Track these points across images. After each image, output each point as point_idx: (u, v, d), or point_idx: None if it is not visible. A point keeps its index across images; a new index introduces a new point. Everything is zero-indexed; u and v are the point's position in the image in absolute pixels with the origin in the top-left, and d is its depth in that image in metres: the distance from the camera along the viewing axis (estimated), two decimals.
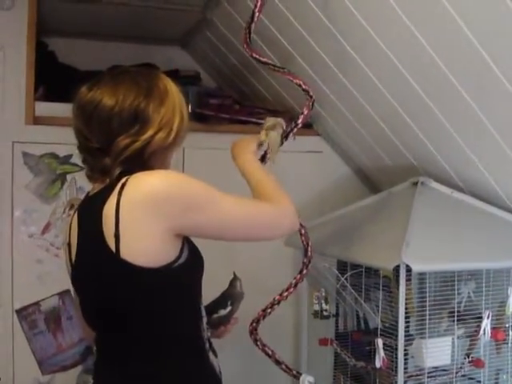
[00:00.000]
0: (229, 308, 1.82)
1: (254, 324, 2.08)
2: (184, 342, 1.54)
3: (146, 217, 1.40)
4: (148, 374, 1.49)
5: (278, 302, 2.05)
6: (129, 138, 1.48)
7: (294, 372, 2.19)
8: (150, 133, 1.50)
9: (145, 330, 1.49)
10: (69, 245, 1.59)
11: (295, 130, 2.03)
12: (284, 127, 2.00)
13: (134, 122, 1.49)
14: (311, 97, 2.04)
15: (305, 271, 2.13)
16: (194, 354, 1.55)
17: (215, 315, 1.78)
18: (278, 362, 2.15)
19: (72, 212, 1.62)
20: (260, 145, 1.95)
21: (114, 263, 1.42)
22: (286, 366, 2.17)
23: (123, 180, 1.44)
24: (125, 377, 1.50)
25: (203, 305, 1.62)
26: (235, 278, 1.89)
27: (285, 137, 2.02)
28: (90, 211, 1.51)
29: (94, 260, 1.48)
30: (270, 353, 2.13)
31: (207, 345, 1.59)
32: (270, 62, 2.12)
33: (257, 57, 2.08)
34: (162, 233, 1.42)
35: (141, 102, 1.50)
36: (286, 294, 2.08)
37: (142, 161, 1.51)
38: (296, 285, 2.10)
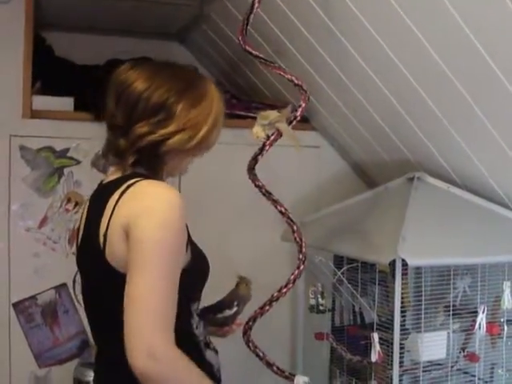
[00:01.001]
0: (234, 309, 1.80)
1: (250, 323, 2.02)
2: (176, 339, 1.43)
3: (123, 224, 1.38)
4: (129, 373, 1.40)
5: (277, 299, 2.01)
6: (147, 127, 1.46)
7: (287, 373, 2.11)
8: (170, 129, 1.47)
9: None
10: (78, 229, 1.61)
11: (294, 122, 2.03)
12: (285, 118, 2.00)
13: (158, 112, 1.46)
14: (305, 91, 2.03)
15: (301, 267, 2.11)
16: (187, 351, 1.44)
17: (220, 315, 1.77)
18: (269, 364, 2.09)
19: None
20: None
21: (100, 260, 1.42)
22: (278, 367, 2.10)
23: (131, 181, 1.44)
24: (119, 372, 1.44)
25: (210, 304, 1.60)
26: (244, 279, 1.86)
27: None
28: (98, 201, 1.51)
29: (87, 250, 1.50)
30: (261, 355, 2.07)
31: (202, 342, 1.57)
32: (261, 55, 2.10)
33: (249, 50, 2.07)
34: (124, 240, 1.39)
35: (171, 97, 1.47)
36: (284, 290, 2.04)
37: (156, 155, 1.49)
38: (294, 281, 2.07)
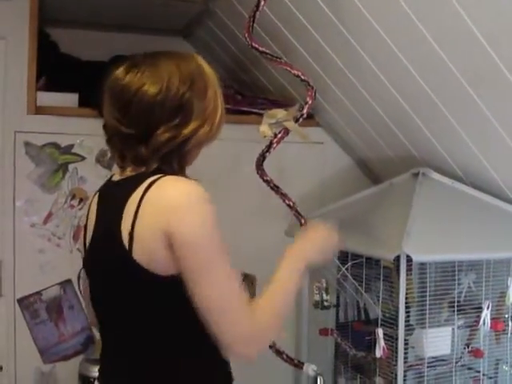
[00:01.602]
0: None
1: None
2: (189, 341, 1.46)
3: (156, 222, 1.34)
4: (147, 372, 1.45)
5: None
6: (170, 131, 1.41)
7: (296, 361, 2.19)
8: (192, 127, 1.43)
9: (147, 328, 1.44)
10: (85, 228, 1.57)
11: (301, 120, 2.03)
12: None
13: (177, 112, 1.42)
14: (312, 87, 2.03)
15: None
16: (205, 355, 1.47)
17: None
18: (278, 353, 2.15)
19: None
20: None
21: (125, 260, 1.38)
22: (287, 355, 2.17)
23: (153, 178, 1.39)
24: (124, 373, 1.47)
25: None
26: (248, 277, 1.85)
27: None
28: (113, 199, 1.46)
29: (106, 249, 1.44)
30: (271, 343, 2.11)
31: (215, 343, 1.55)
32: (268, 51, 2.10)
33: (256, 46, 2.07)
34: (166, 242, 1.35)
35: (185, 92, 1.42)
36: None
37: (178, 156, 1.46)
38: None
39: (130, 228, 1.36)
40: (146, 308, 1.42)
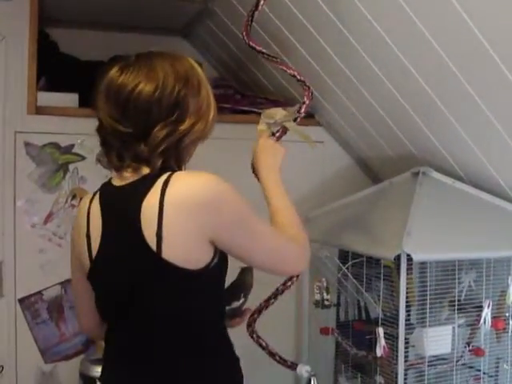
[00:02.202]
0: (242, 300, 1.79)
1: (255, 315, 2.03)
2: (213, 340, 1.53)
3: (191, 220, 1.39)
4: (182, 371, 1.48)
5: (282, 292, 2.01)
6: (167, 128, 1.44)
7: (289, 363, 2.14)
8: (188, 123, 1.47)
9: (173, 329, 1.47)
10: (88, 236, 1.55)
11: (298, 120, 2.03)
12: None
13: (174, 110, 1.45)
14: (308, 87, 2.03)
15: None
16: (221, 352, 1.55)
17: (228, 307, 1.75)
18: (271, 354, 2.10)
19: (77, 202, 1.59)
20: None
21: (154, 262, 1.40)
22: (280, 357, 2.13)
23: (165, 177, 1.42)
24: (149, 374, 1.48)
25: None
26: (246, 268, 1.86)
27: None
28: (122, 204, 1.48)
29: (128, 256, 1.45)
30: (264, 344, 2.08)
31: (230, 340, 1.59)
32: (265, 51, 2.10)
33: (253, 45, 2.07)
34: (202, 237, 1.42)
35: (181, 90, 1.46)
36: (289, 283, 2.04)
37: (175, 152, 1.49)
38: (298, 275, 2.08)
39: (155, 229, 1.38)
40: (176, 307, 1.46)
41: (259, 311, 2.03)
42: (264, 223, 1.53)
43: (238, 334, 1.71)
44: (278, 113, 1.97)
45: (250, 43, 2.07)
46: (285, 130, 1.98)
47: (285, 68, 2.06)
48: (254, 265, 1.62)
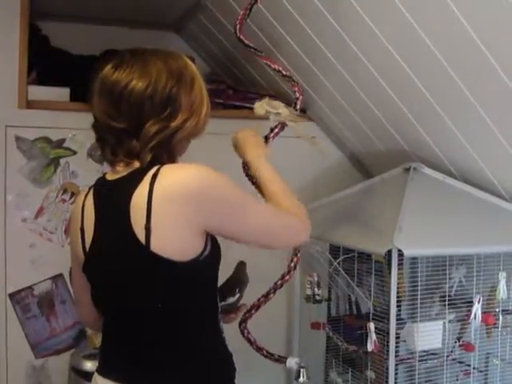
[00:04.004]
0: (237, 295, 1.80)
1: (253, 311, 2.01)
2: (204, 333, 1.53)
3: (179, 212, 1.40)
4: (171, 362, 1.48)
5: (281, 286, 2.01)
6: (159, 124, 1.45)
7: (276, 356, 2.13)
8: (180, 119, 1.47)
9: (163, 321, 1.48)
10: (82, 230, 1.56)
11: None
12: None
13: (166, 106, 1.46)
14: (296, 82, 2.03)
15: (295, 259, 2.09)
16: (213, 345, 1.55)
17: (223, 303, 1.75)
18: (259, 349, 2.06)
19: (68, 196, 1.59)
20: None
21: (142, 255, 1.41)
22: (267, 351, 2.10)
23: (153, 170, 1.43)
24: (148, 365, 1.48)
25: None
26: (241, 263, 1.86)
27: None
28: (113, 198, 1.49)
29: (118, 249, 1.47)
30: (253, 340, 2.07)
31: (223, 334, 1.59)
32: (252, 45, 2.10)
33: (242, 38, 2.08)
34: (192, 228, 1.42)
35: (173, 87, 1.47)
36: (287, 277, 2.02)
37: (168, 148, 1.49)
38: (295, 267, 2.05)
39: (144, 222, 1.39)
40: (165, 299, 1.47)
41: (258, 307, 2.01)
42: (261, 202, 1.59)
43: (231, 329, 1.71)
44: (281, 108, 1.97)
45: (240, 36, 2.07)
46: (282, 127, 1.99)
47: (269, 62, 2.07)
48: (259, 246, 1.59)
